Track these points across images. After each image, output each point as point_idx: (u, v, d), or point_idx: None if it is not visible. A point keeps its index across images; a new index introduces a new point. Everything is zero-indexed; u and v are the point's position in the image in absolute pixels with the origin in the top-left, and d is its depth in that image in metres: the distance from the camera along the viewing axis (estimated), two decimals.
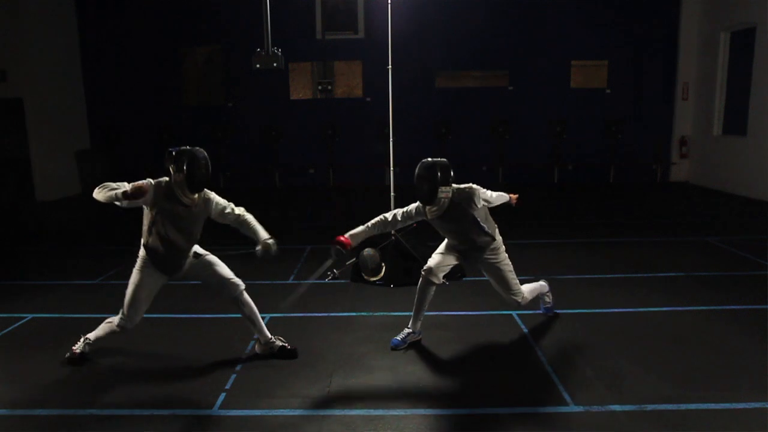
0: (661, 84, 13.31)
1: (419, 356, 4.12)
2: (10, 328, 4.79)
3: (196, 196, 3.84)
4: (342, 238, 4.05)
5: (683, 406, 3.37)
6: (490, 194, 4.12)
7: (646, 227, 8.42)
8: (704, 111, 12.64)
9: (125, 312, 3.91)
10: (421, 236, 6.51)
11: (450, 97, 13.46)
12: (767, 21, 10.31)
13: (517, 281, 4.34)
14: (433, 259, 4.29)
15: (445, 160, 4.07)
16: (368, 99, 13.45)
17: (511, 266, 4.31)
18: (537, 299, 4.71)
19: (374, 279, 5.80)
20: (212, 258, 4.06)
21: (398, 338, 4.30)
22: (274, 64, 7.13)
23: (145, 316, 4.90)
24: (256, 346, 4.19)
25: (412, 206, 4.18)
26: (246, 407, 3.44)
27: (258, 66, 7.17)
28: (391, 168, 6.46)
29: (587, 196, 11.65)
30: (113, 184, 3.69)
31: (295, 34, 12.50)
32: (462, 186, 4.06)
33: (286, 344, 4.16)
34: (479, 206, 4.02)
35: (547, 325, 4.67)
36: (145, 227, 3.85)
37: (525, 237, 7.70)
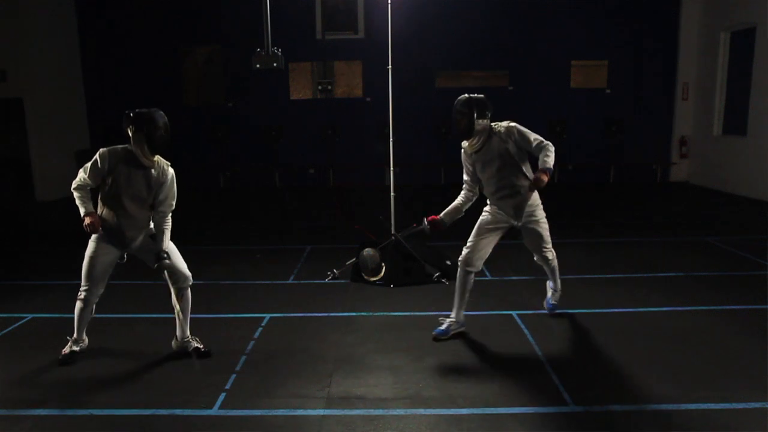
0: (661, 84, 13.30)
1: (419, 356, 4.12)
2: (10, 328, 4.79)
3: (157, 159, 3.88)
4: (433, 217, 4.45)
5: (683, 406, 3.37)
6: (533, 137, 4.07)
7: (646, 227, 8.42)
8: (704, 111, 12.64)
9: (83, 283, 3.96)
10: (421, 236, 6.52)
11: (450, 97, 13.32)
12: (767, 21, 10.31)
13: (550, 239, 4.46)
14: (467, 248, 4.32)
15: (482, 95, 4.20)
16: (368, 99, 13.45)
17: (547, 224, 4.40)
18: (546, 289, 4.81)
19: (374, 279, 5.80)
20: (171, 245, 4.06)
21: (441, 328, 4.37)
22: (274, 64, 7.13)
23: (145, 316, 4.92)
24: (173, 342, 4.20)
25: (462, 163, 4.39)
26: (246, 407, 3.44)
27: (258, 66, 7.17)
28: (391, 168, 6.46)
29: (587, 196, 11.66)
30: (84, 197, 3.82)
31: (295, 34, 12.50)
32: (502, 122, 4.15)
33: (201, 346, 4.17)
34: (518, 137, 4.06)
35: (547, 325, 4.67)
36: (99, 198, 3.89)
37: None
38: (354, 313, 5.02)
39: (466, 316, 4.92)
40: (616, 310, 5.00)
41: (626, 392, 3.54)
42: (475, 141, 4.18)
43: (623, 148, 13.11)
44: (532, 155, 4.13)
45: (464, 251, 4.34)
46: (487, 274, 6.15)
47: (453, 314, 4.41)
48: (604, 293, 5.42)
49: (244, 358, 4.14)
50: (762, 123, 10.50)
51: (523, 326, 4.62)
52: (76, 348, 4.10)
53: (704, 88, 12.62)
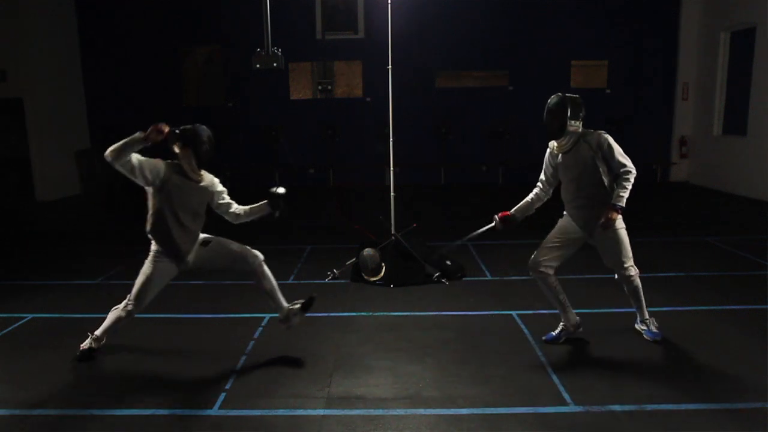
0: (661, 84, 13.30)
1: (419, 356, 4.12)
2: (10, 328, 4.79)
3: (203, 173, 3.93)
4: (504, 213, 4.34)
5: (683, 406, 3.36)
6: (620, 158, 3.94)
7: (646, 227, 8.41)
8: (704, 111, 12.64)
9: (133, 300, 3.93)
10: (422, 236, 6.52)
11: (450, 97, 13.45)
12: (767, 21, 10.31)
13: (631, 254, 4.17)
14: (537, 252, 4.20)
15: (576, 95, 4.09)
16: (368, 99, 13.45)
17: (627, 239, 4.14)
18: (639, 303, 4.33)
19: (374, 279, 5.80)
20: (221, 239, 4.10)
21: (553, 333, 4.29)
22: (274, 64, 7.13)
23: (145, 316, 4.91)
24: (279, 318, 4.22)
25: (544, 161, 4.26)
26: (246, 407, 3.44)
27: (258, 66, 7.17)
28: (391, 168, 6.46)
29: None
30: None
31: (295, 34, 12.50)
32: (594, 130, 4.07)
33: (302, 300, 4.20)
34: (606, 151, 3.95)
35: (547, 325, 4.66)
36: (150, 211, 3.86)
37: (525, 237, 7.70)
38: (354, 313, 5.02)
39: (466, 315, 4.92)
40: (616, 310, 5.00)
41: (626, 392, 3.54)
42: (564, 141, 4.06)
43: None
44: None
45: (533, 256, 4.20)
46: (487, 274, 6.15)
47: (562, 320, 4.27)
48: (604, 293, 5.42)
49: (244, 358, 4.14)
50: (762, 123, 10.50)
51: (523, 326, 4.62)
52: (95, 345, 4.08)
53: (704, 88, 12.62)
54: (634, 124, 13.18)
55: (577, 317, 4.28)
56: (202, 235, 4.08)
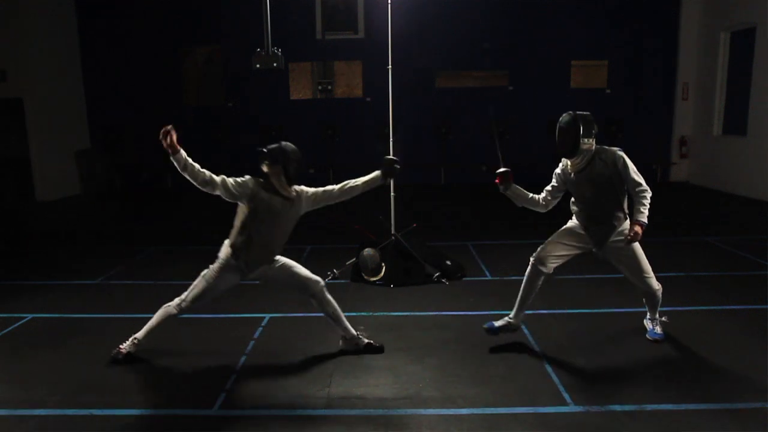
0: (661, 84, 13.30)
1: (419, 356, 4.12)
2: (10, 328, 4.79)
3: (293, 189, 3.92)
4: (508, 174, 4.24)
5: (683, 406, 3.37)
6: (636, 177, 3.91)
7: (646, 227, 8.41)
8: (704, 111, 12.64)
9: (189, 301, 3.93)
10: (421, 236, 6.52)
11: (450, 97, 13.45)
12: (767, 21, 10.31)
13: (649, 266, 4.13)
14: (544, 247, 4.14)
15: (588, 113, 4.01)
16: (368, 99, 13.45)
17: (641, 250, 4.09)
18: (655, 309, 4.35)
19: (374, 279, 5.80)
20: (288, 260, 4.11)
21: (496, 324, 4.25)
22: (274, 64, 7.12)
23: (145, 316, 4.91)
24: (341, 342, 4.21)
25: (554, 175, 4.18)
26: (246, 407, 3.44)
27: (258, 66, 7.17)
28: None
29: None
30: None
31: (295, 34, 12.49)
32: (608, 147, 4.00)
33: (372, 341, 4.21)
34: (621, 169, 3.90)
35: (547, 325, 4.67)
36: (237, 225, 3.87)
37: (525, 237, 7.70)
38: (354, 313, 5.01)
39: (466, 315, 4.92)
40: (616, 310, 5.00)
41: (626, 392, 3.55)
42: (578, 160, 3.99)
43: (623, 148, 13.09)
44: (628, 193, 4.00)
45: (540, 249, 4.14)
46: (487, 274, 6.15)
47: (512, 314, 4.26)
48: (604, 293, 5.43)
49: (244, 358, 4.14)
50: (762, 123, 10.50)
51: (523, 326, 4.62)
52: (133, 351, 4.06)
53: (704, 88, 12.62)
54: (634, 124, 13.18)
55: (521, 321, 4.31)
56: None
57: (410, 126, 12.49)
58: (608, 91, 13.37)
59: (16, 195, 11.95)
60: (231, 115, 13.50)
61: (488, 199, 10.26)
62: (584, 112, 4.01)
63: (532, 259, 4.17)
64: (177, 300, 3.98)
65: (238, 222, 3.88)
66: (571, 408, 3.38)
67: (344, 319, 4.18)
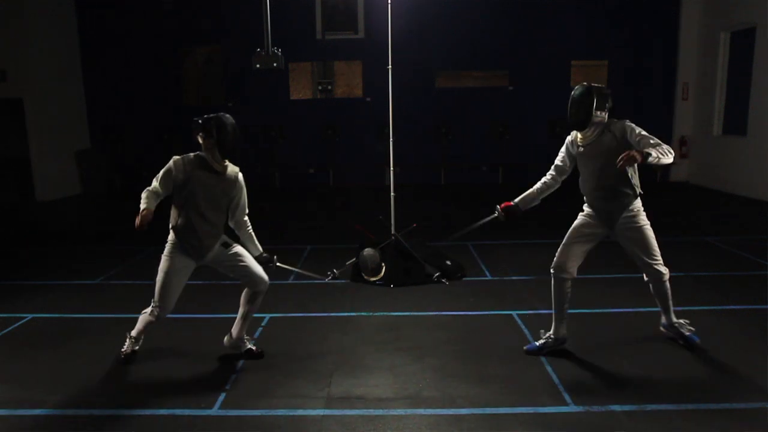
0: (661, 84, 13.30)
1: (419, 356, 4.12)
2: (10, 328, 4.79)
3: (227, 164, 3.88)
4: (507, 204, 4.20)
5: (683, 406, 3.36)
6: (645, 133, 3.75)
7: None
8: (704, 111, 12.64)
9: (157, 301, 3.87)
10: (421, 236, 6.52)
11: (450, 97, 13.45)
12: (767, 21, 10.31)
13: (658, 250, 3.99)
14: (560, 253, 4.03)
15: (603, 86, 3.94)
16: (368, 99, 13.45)
17: (652, 232, 3.95)
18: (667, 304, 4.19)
19: (374, 279, 5.80)
20: (242, 249, 4.06)
21: (536, 343, 4.11)
22: (274, 64, 7.13)
23: None
24: (226, 339, 4.16)
25: (562, 150, 4.10)
26: (246, 407, 3.44)
27: (258, 66, 7.17)
28: (391, 168, 6.46)
29: None
30: (149, 197, 3.73)
31: (295, 34, 12.49)
32: (618, 119, 3.92)
33: (254, 347, 4.16)
34: (629, 136, 3.78)
35: (547, 325, 4.66)
36: (174, 206, 3.83)
37: (525, 237, 7.70)
38: (354, 313, 5.02)
39: (466, 315, 4.91)
40: (616, 310, 5.00)
41: (626, 392, 3.54)
42: (589, 133, 3.90)
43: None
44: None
45: (556, 256, 4.04)
46: (487, 274, 6.15)
47: (552, 330, 4.11)
48: (604, 293, 5.42)
49: (244, 358, 4.13)
50: (762, 123, 10.50)
51: (523, 326, 4.62)
52: (137, 347, 4.07)
53: (704, 88, 12.62)
54: (635, 124, 13.16)
55: (566, 332, 4.14)
56: (225, 236, 4.02)
57: (410, 126, 12.48)
58: (608, 90, 13.35)
59: (16, 195, 11.95)
60: (231, 115, 13.45)
61: (488, 200, 10.22)
62: (600, 85, 3.95)
63: (552, 270, 4.05)
64: (150, 306, 3.92)
65: (174, 203, 3.82)
66: (571, 408, 3.37)
67: (248, 323, 4.13)
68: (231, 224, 4.06)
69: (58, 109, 12.43)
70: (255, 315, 4.94)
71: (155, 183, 3.76)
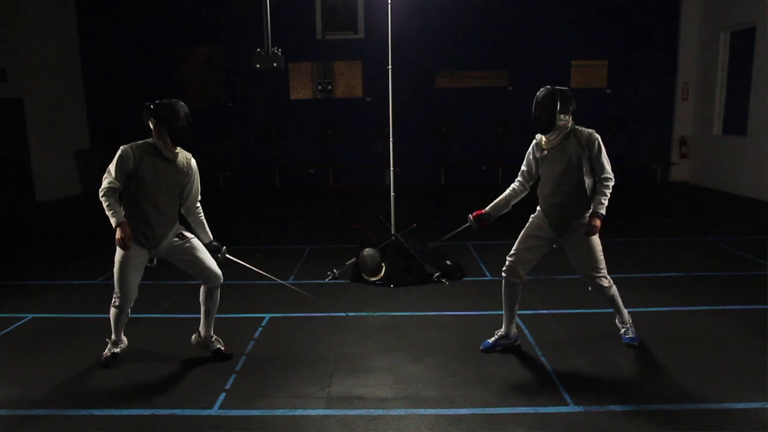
0: (661, 84, 13.30)
1: (419, 356, 4.12)
2: (10, 328, 4.79)
3: (179, 150, 3.83)
4: (478, 212, 4.23)
5: (683, 406, 3.37)
6: (605, 164, 3.82)
7: (646, 227, 8.41)
8: (704, 111, 12.64)
9: (116, 291, 3.87)
10: (422, 236, 6.52)
11: (450, 97, 13.45)
12: (767, 21, 10.31)
13: (604, 263, 4.00)
14: (511, 258, 4.03)
15: (566, 88, 3.94)
16: (368, 99, 13.45)
17: (600, 245, 3.97)
18: (618, 310, 4.25)
19: (374, 279, 5.80)
20: (197, 243, 3.99)
21: (489, 341, 4.17)
22: (274, 64, 7.14)
23: (145, 316, 4.92)
24: (194, 338, 4.13)
25: (527, 154, 4.11)
26: (246, 407, 3.44)
27: (258, 66, 7.18)
28: (391, 168, 6.46)
29: None
30: (113, 204, 3.69)
31: (295, 34, 12.50)
32: (584, 128, 3.93)
33: (222, 347, 4.13)
34: (595, 151, 3.81)
35: (547, 325, 4.67)
36: (125, 195, 3.77)
37: None
38: (354, 313, 5.02)
39: (466, 315, 4.91)
40: None
41: (626, 392, 3.54)
42: (553, 137, 3.92)
43: (623, 148, 13.10)
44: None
45: (508, 260, 4.04)
46: (487, 274, 6.15)
47: (503, 328, 4.16)
48: None
49: (244, 358, 4.13)
50: (762, 123, 10.50)
51: (523, 326, 4.62)
52: (116, 350, 4.05)
53: (704, 88, 12.62)
54: (634, 124, 13.19)
55: (516, 331, 4.20)
56: (181, 227, 3.98)
57: (410, 126, 12.48)
58: (608, 91, 13.37)
59: (16, 195, 11.95)
60: (231, 115, 13.50)
61: (488, 200, 10.20)
62: (563, 87, 3.94)
63: (503, 273, 4.06)
64: (113, 296, 3.90)
65: (125, 192, 3.76)
66: (571, 408, 3.37)
67: (213, 320, 4.09)
68: (182, 211, 4.01)
69: (58, 109, 12.43)
70: (255, 315, 4.96)
71: (110, 178, 3.68)
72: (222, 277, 4.03)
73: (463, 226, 4.47)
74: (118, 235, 3.66)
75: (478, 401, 3.47)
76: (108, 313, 4.00)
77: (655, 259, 6.54)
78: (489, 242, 7.27)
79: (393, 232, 6.13)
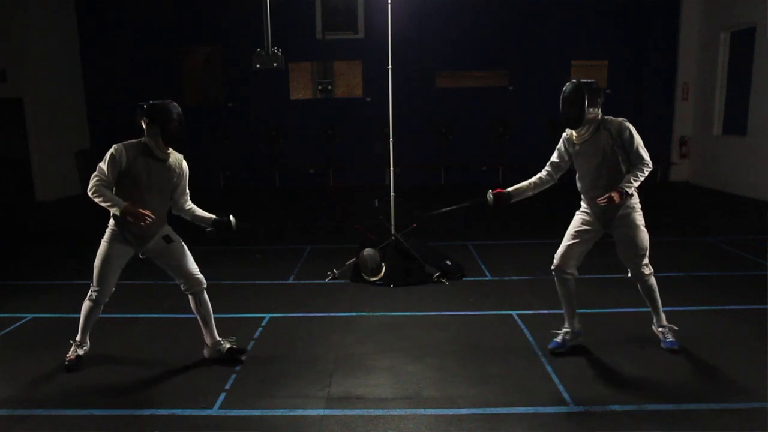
0: (661, 84, 13.30)
1: (419, 356, 4.12)
2: (10, 328, 4.79)
3: (170, 151, 3.84)
4: (499, 189, 4.19)
5: (683, 406, 3.36)
6: (639, 149, 3.80)
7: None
8: (704, 111, 12.64)
9: (94, 285, 3.88)
10: (421, 236, 6.52)
11: (450, 97, 13.45)
12: (767, 21, 10.31)
13: (648, 251, 3.97)
14: (559, 254, 4.01)
15: (593, 80, 3.92)
16: (368, 99, 13.45)
17: (647, 233, 3.95)
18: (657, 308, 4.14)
19: (374, 279, 5.80)
20: (183, 247, 3.99)
21: (557, 340, 4.11)
22: (274, 64, 7.15)
23: (145, 316, 4.92)
24: (205, 351, 4.09)
25: (558, 147, 4.09)
26: (246, 407, 3.44)
27: (258, 66, 7.19)
28: (391, 168, 6.46)
29: None
30: (109, 195, 3.68)
31: (295, 34, 12.50)
32: (614, 118, 3.89)
33: (234, 345, 4.11)
34: (626, 140, 3.80)
35: (547, 325, 4.66)
36: (115, 191, 3.77)
37: (525, 237, 7.71)
38: (354, 313, 5.02)
39: (466, 315, 4.91)
40: (616, 310, 5.00)
41: (626, 392, 3.54)
42: (583, 131, 3.89)
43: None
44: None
45: (556, 257, 4.02)
46: (487, 274, 6.15)
47: (566, 324, 4.13)
48: (604, 293, 5.42)
49: (244, 358, 4.13)
50: (762, 123, 10.50)
51: (523, 326, 4.62)
52: (80, 352, 4.03)
53: (704, 88, 12.62)
54: (634, 124, 13.12)
55: (580, 325, 4.17)
56: (169, 228, 3.97)
57: (410, 126, 12.48)
58: (608, 91, 13.36)
59: (16, 195, 11.95)
60: (231, 115, 13.50)
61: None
62: (588, 80, 3.93)
63: (553, 272, 4.05)
64: (90, 288, 3.91)
65: (116, 188, 3.76)
66: (571, 408, 3.37)
67: (213, 325, 4.05)
68: (174, 211, 4.01)
69: (58, 109, 12.43)
70: (255, 315, 4.96)
71: (101, 176, 3.68)
72: (205, 282, 4.01)
73: (480, 199, 4.39)
74: (133, 215, 3.61)
75: (478, 401, 3.47)
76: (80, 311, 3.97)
77: (655, 259, 6.50)
78: (489, 242, 7.27)
79: (393, 232, 6.13)
